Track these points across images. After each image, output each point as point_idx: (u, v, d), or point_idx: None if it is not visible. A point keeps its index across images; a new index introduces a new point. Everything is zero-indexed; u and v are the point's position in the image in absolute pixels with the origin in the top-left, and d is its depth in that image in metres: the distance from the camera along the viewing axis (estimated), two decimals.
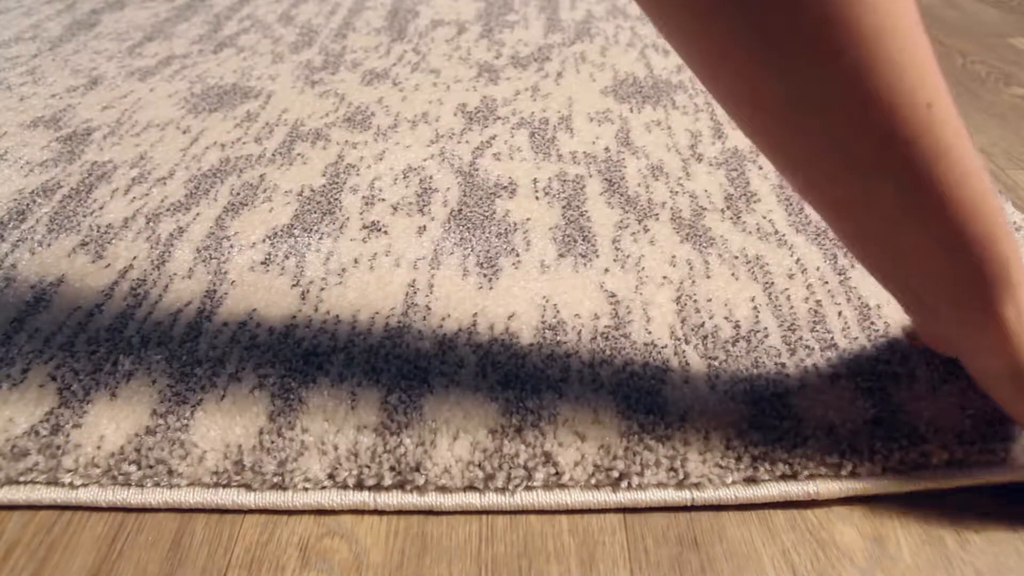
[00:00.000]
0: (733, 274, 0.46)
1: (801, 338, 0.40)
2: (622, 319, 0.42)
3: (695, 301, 0.43)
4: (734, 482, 0.33)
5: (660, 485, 0.33)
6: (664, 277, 0.45)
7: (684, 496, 0.33)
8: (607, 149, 0.61)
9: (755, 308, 0.43)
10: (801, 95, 0.27)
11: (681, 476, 0.33)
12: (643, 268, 0.46)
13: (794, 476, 0.33)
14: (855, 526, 0.33)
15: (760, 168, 0.58)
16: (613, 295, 0.44)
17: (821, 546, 0.32)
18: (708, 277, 0.45)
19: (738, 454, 0.34)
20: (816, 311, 0.42)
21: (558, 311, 0.43)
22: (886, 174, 0.27)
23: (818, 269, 0.46)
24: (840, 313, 0.42)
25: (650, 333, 0.41)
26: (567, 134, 0.63)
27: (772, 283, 0.45)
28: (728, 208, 0.52)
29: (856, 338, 0.40)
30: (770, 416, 0.35)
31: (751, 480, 0.33)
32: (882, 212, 0.29)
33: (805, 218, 0.51)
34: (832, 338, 0.40)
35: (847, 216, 0.31)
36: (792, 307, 0.43)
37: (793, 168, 0.30)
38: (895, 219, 0.29)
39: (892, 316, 0.42)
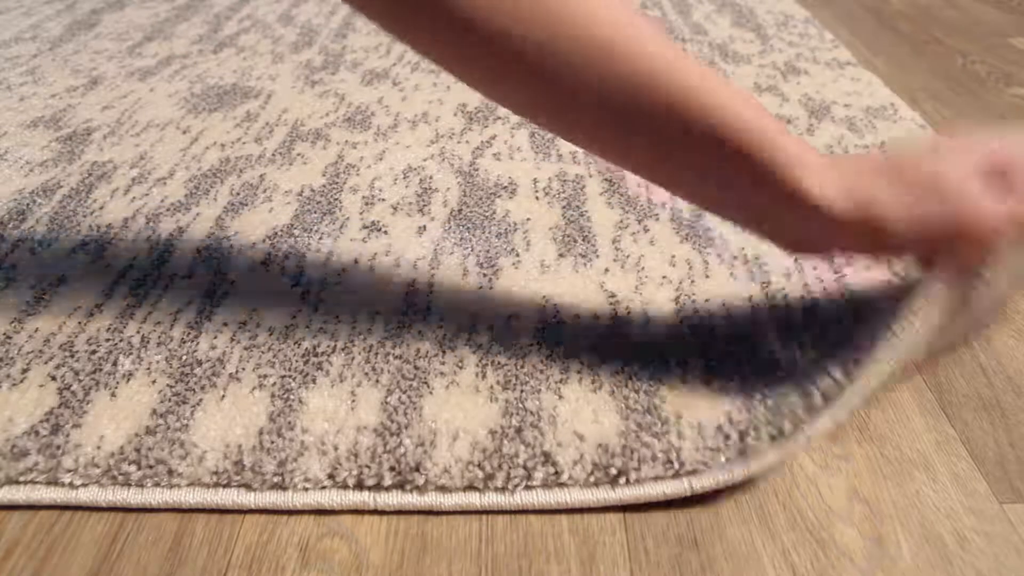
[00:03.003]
0: (732, 274, 0.46)
1: (797, 336, 0.40)
2: (621, 319, 0.42)
3: (694, 301, 0.43)
4: (728, 459, 0.33)
5: (657, 479, 0.33)
6: (663, 277, 0.45)
7: (682, 486, 0.33)
8: None
9: (752, 307, 0.43)
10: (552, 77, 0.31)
11: (677, 466, 0.33)
12: (643, 268, 0.46)
13: (782, 434, 0.33)
14: (855, 526, 0.33)
15: None
16: (613, 295, 0.44)
17: (821, 546, 0.32)
18: (707, 277, 0.45)
19: (727, 433, 0.34)
20: (811, 310, 0.42)
21: (558, 311, 0.43)
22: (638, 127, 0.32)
23: (815, 268, 0.46)
24: (836, 311, 0.42)
25: (649, 333, 0.41)
26: None
27: (769, 283, 0.45)
28: None
29: (851, 335, 0.40)
30: (758, 402, 0.36)
31: (743, 453, 0.33)
32: (646, 162, 0.34)
33: None
34: (827, 334, 0.40)
35: (641, 168, 0.35)
36: (788, 306, 0.43)
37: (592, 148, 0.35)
38: (665, 166, 0.34)
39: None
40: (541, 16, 0.30)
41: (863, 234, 0.32)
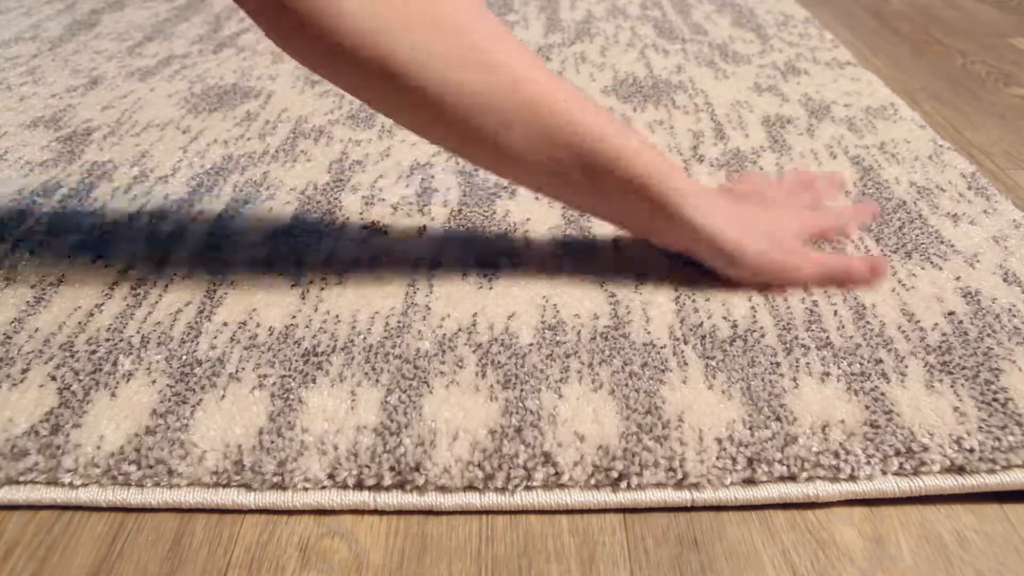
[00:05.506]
0: None
1: (797, 337, 0.40)
2: (621, 319, 0.42)
3: (694, 300, 0.43)
4: (732, 483, 0.33)
5: (659, 485, 0.33)
6: (662, 276, 0.45)
7: (683, 497, 0.33)
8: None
9: (752, 308, 0.43)
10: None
11: (680, 476, 0.33)
12: (642, 266, 0.46)
13: (793, 478, 0.33)
14: (855, 526, 0.33)
15: (760, 169, 0.58)
16: (613, 295, 0.44)
17: (821, 546, 0.32)
18: (706, 275, 0.45)
19: (733, 455, 0.34)
20: (812, 311, 0.42)
21: (558, 311, 0.43)
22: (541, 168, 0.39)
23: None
24: (836, 312, 0.42)
25: (649, 333, 0.41)
26: None
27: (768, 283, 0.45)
28: None
29: (851, 336, 0.40)
30: (765, 415, 0.35)
31: (749, 481, 0.33)
32: (562, 196, 0.43)
33: None
34: (827, 337, 0.40)
35: (546, 190, 0.43)
36: (789, 307, 0.43)
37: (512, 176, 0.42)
38: (573, 191, 0.42)
39: (887, 315, 0.42)
40: (472, 70, 0.35)
41: (725, 256, 0.43)
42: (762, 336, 0.41)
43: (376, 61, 0.33)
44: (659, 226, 0.43)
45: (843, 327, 0.41)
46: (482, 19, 0.36)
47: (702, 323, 0.42)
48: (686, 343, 0.40)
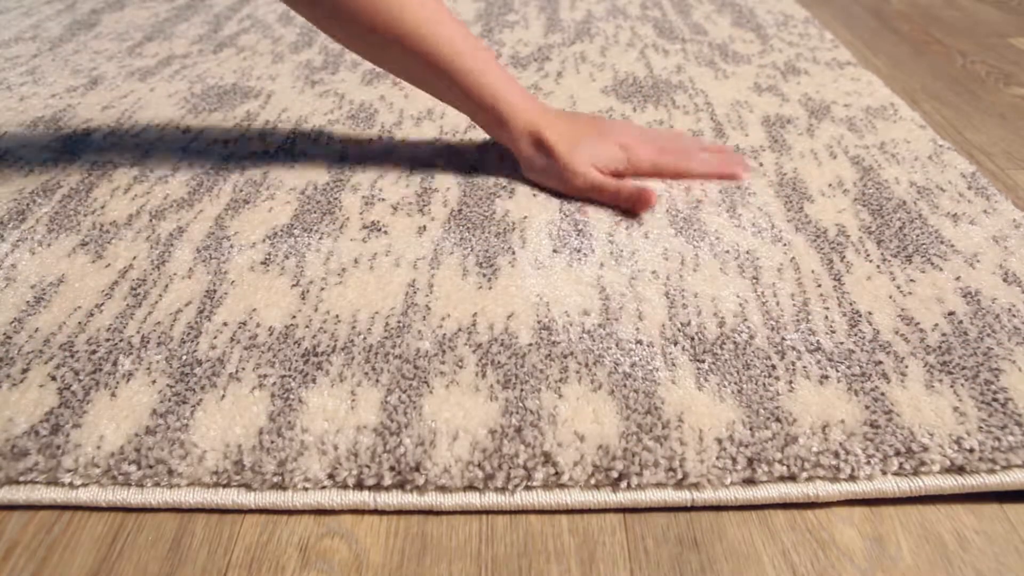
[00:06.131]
0: (722, 269, 0.46)
1: (784, 339, 0.40)
2: (614, 316, 0.42)
3: (683, 297, 0.43)
4: (732, 483, 0.33)
5: (659, 485, 0.33)
6: (653, 272, 0.45)
7: (684, 497, 0.33)
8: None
9: (741, 305, 0.43)
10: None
11: (680, 476, 0.33)
12: (637, 262, 0.46)
13: (793, 478, 0.33)
14: (855, 526, 0.33)
15: (760, 165, 0.58)
16: (603, 290, 0.44)
17: (821, 546, 0.32)
18: (696, 271, 0.45)
19: (733, 455, 0.34)
20: (804, 310, 0.42)
21: (549, 309, 0.43)
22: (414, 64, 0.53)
23: (813, 272, 0.46)
24: (827, 317, 0.42)
25: (640, 332, 0.41)
26: None
27: (758, 279, 0.45)
28: (724, 202, 0.52)
29: (842, 343, 0.40)
30: (762, 416, 0.35)
31: (749, 481, 0.33)
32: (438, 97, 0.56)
33: (805, 217, 0.51)
34: (818, 340, 0.40)
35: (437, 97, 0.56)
36: (779, 303, 0.43)
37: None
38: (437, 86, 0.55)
39: (883, 322, 0.42)
40: (382, 21, 0.49)
41: (526, 167, 0.56)
42: (752, 337, 0.41)
43: None
44: (495, 130, 0.55)
45: (834, 332, 0.41)
46: None
47: (691, 321, 0.41)
48: (676, 344, 0.40)
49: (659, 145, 0.56)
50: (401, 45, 0.50)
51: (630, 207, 0.52)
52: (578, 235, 0.49)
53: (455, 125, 0.65)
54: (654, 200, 0.51)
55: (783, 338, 0.40)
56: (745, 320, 0.42)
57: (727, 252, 0.47)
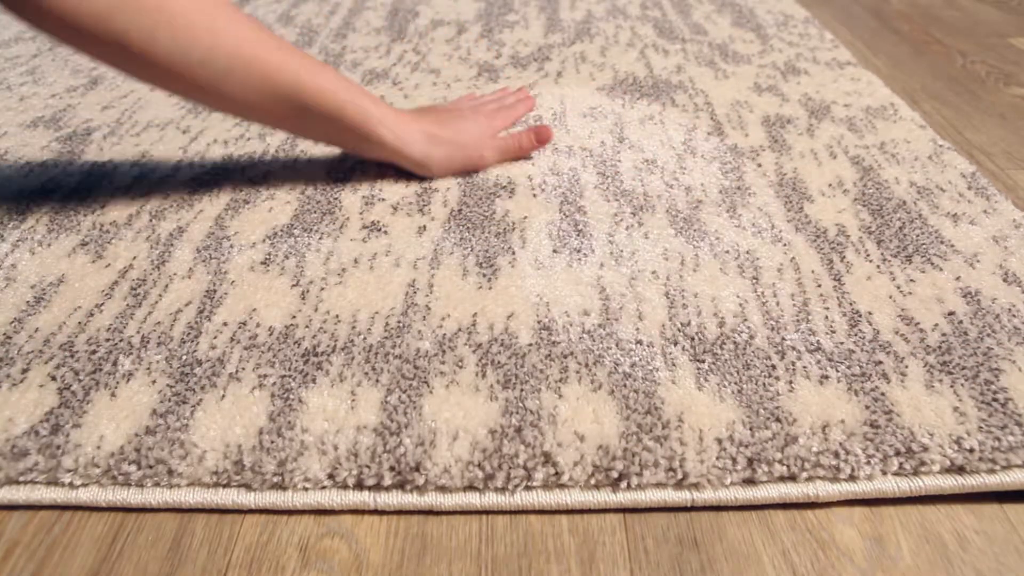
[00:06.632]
0: (722, 269, 0.46)
1: (784, 339, 0.40)
2: (614, 316, 0.42)
3: (683, 297, 0.43)
4: (732, 483, 0.33)
5: (659, 485, 0.33)
6: (653, 272, 0.45)
7: (684, 497, 0.33)
8: (602, 143, 0.61)
9: (741, 305, 0.43)
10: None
11: (680, 476, 0.33)
12: (637, 262, 0.46)
13: (793, 478, 0.33)
14: (855, 526, 0.33)
15: (759, 166, 0.58)
16: (603, 290, 0.44)
17: (821, 546, 0.32)
18: (695, 271, 0.45)
19: (733, 455, 0.34)
20: (804, 310, 0.42)
21: (549, 309, 0.43)
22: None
23: (813, 272, 0.46)
24: (827, 317, 0.42)
25: (640, 332, 0.41)
26: (564, 132, 0.63)
27: (758, 279, 0.45)
28: (724, 202, 0.52)
29: (842, 343, 0.40)
30: (762, 417, 0.35)
31: (749, 481, 0.33)
32: (294, 130, 0.53)
33: (805, 217, 0.51)
34: (818, 341, 0.40)
35: (293, 132, 0.54)
36: (779, 303, 0.43)
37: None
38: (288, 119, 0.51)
39: (883, 323, 0.42)
40: (188, 40, 0.43)
41: (416, 164, 0.55)
42: (752, 337, 0.41)
43: (112, 35, 0.41)
44: (362, 146, 0.54)
45: (834, 332, 0.41)
46: None
47: (691, 321, 0.42)
48: (675, 344, 0.40)
49: (479, 110, 0.61)
50: (242, 66, 0.46)
51: (538, 146, 0.58)
52: (578, 235, 0.49)
53: None
54: (549, 128, 0.58)
55: (783, 338, 0.40)
56: (745, 320, 0.42)
57: (727, 252, 0.47)
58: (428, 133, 0.54)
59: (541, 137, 0.58)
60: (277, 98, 0.48)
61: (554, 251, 0.48)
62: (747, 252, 0.48)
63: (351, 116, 0.50)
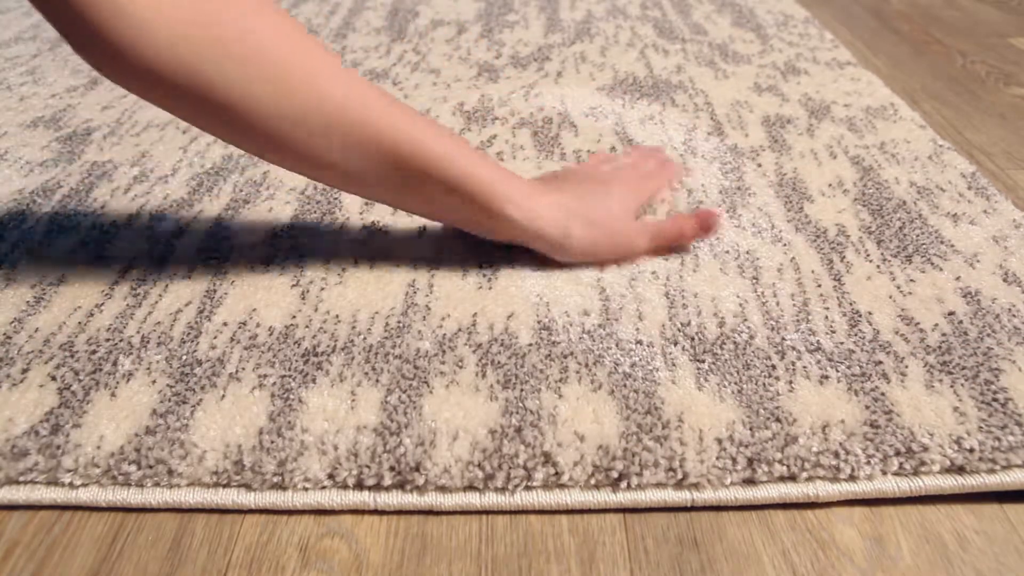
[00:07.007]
0: (722, 269, 0.46)
1: (784, 339, 0.40)
2: (614, 317, 0.42)
3: (683, 297, 0.43)
4: (733, 483, 0.33)
5: (659, 485, 0.33)
6: (653, 272, 0.45)
7: (684, 497, 0.33)
8: (612, 149, 0.61)
9: (741, 305, 0.43)
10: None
11: (680, 476, 0.33)
12: (637, 263, 0.46)
13: (793, 478, 0.33)
14: (855, 526, 0.33)
15: (759, 166, 0.58)
16: (603, 291, 0.44)
17: (821, 546, 0.32)
18: (695, 271, 0.45)
19: (733, 455, 0.34)
20: (804, 310, 0.42)
21: (549, 309, 0.43)
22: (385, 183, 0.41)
23: (813, 272, 0.46)
24: (827, 317, 0.42)
25: (640, 332, 0.41)
26: (570, 132, 0.63)
27: (758, 279, 0.45)
28: (724, 202, 0.52)
29: (842, 343, 0.40)
30: (762, 417, 0.35)
31: (750, 481, 0.33)
32: (397, 203, 0.45)
33: (805, 217, 0.51)
34: (818, 341, 0.40)
35: (396, 205, 0.45)
36: (779, 303, 0.43)
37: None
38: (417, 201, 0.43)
39: (883, 323, 0.42)
40: (286, 94, 0.36)
41: (554, 247, 0.45)
42: (752, 337, 0.41)
43: (195, 90, 0.34)
44: (485, 225, 0.44)
45: (834, 332, 0.41)
46: (288, 41, 0.36)
47: (690, 322, 0.41)
48: (676, 344, 0.40)
49: (622, 179, 0.49)
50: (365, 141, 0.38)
51: (702, 235, 0.47)
52: None
53: (452, 126, 0.65)
54: (713, 216, 0.46)
55: (783, 338, 0.40)
56: (745, 320, 0.42)
57: (727, 252, 0.47)
58: (566, 208, 0.44)
59: (706, 225, 0.46)
60: (380, 165, 0.39)
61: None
62: (747, 252, 0.48)
63: (474, 191, 0.41)
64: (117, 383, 0.38)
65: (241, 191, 0.55)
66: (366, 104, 0.38)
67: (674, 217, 0.47)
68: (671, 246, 0.47)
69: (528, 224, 0.43)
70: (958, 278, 0.45)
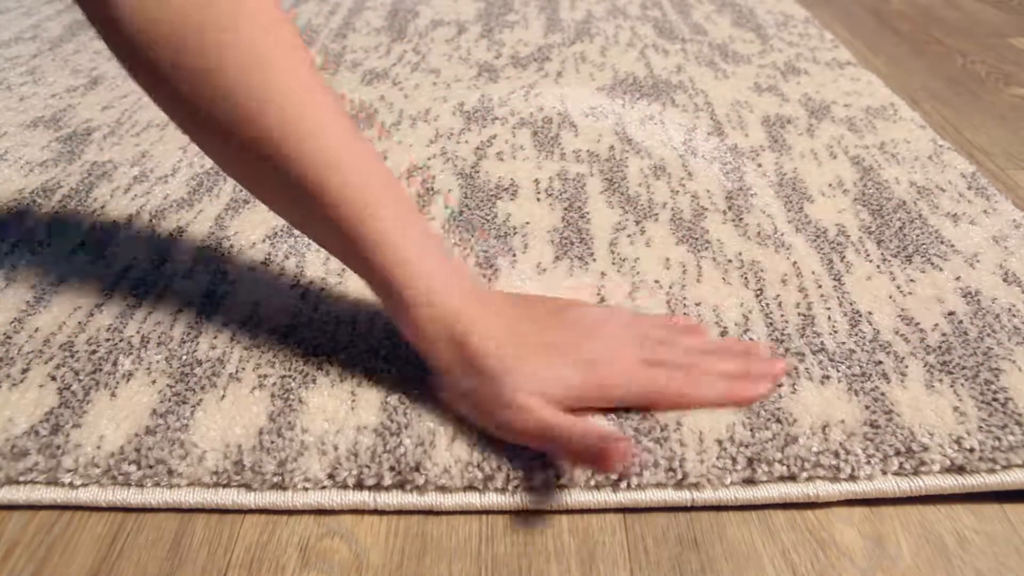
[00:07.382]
0: (724, 279, 0.46)
1: (789, 349, 0.40)
2: None
3: (684, 306, 0.43)
4: (732, 483, 0.33)
5: (659, 485, 0.33)
6: (656, 281, 0.45)
7: (684, 496, 0.33)
8: (611, 148, 0.61)
9: (744, 316, 0.43)
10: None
11: (680, 476, 0.33)
12: (638, 272, 0.46)
13: (793, 478, 0.33)
14: (855, 526, 0.33)
15: (759, 166, 0.58)
16: (606, 301, 0.44)
17: (821, 546, 0.32)
18: (699, 281, 0.45)
19: (733, 455, 0.34)
20: (805, 315, 0.42)
21: None
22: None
23: (813, 272, 0.46)
24: (830, 317, 0.42)
25: None
26: (570, 132, 0.63)
27: (761, 289, 0.45)
28: (729, 209, 0.52)
29: (843, 343, 0.40)
30: (763, 418, 0.35)
31: (749, 481, 0.33)
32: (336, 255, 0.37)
33: (805, 217, 0.51)
34: (822, 341, 0.40)
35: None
36: (783, 310, 0.43)
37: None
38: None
39: (883, 322, 0.42)
40: (271, 150, 0.33)
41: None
42: (753, 337, 0.40)
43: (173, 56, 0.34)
44: (394, 315, 0.36)
45: (836, 332, 0.41)
46: (305, 93, 0.34)
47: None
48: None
49: (646, 356, 0.36)
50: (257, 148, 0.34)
51: (587, 464, 0.33)
52: (580, 242, 0.49)
53: (451, 127, 0.65)
54: (623, 457, 0.31)
55: (787, 349, 0.40)
56: (747, 331, 0.42)
57: (730, 261, 0.47)
58: (482, 314, 0.35)
59: (605, 458, 0.31)
60: (290, 188, 0.34)
61: (556, 257, 0.48)
62: (747, 252, 0.47)
63: (406, 296, 0.34)
64: (117, 383, 0.38)
65: (241, 191, 0.55)
66: (320, 147, 0.33)
67: (575, 424, 0.33)
68: (554, 449, 0.33)
69: (424, 326, 0.34)
70: (958, 278, 0.45)
